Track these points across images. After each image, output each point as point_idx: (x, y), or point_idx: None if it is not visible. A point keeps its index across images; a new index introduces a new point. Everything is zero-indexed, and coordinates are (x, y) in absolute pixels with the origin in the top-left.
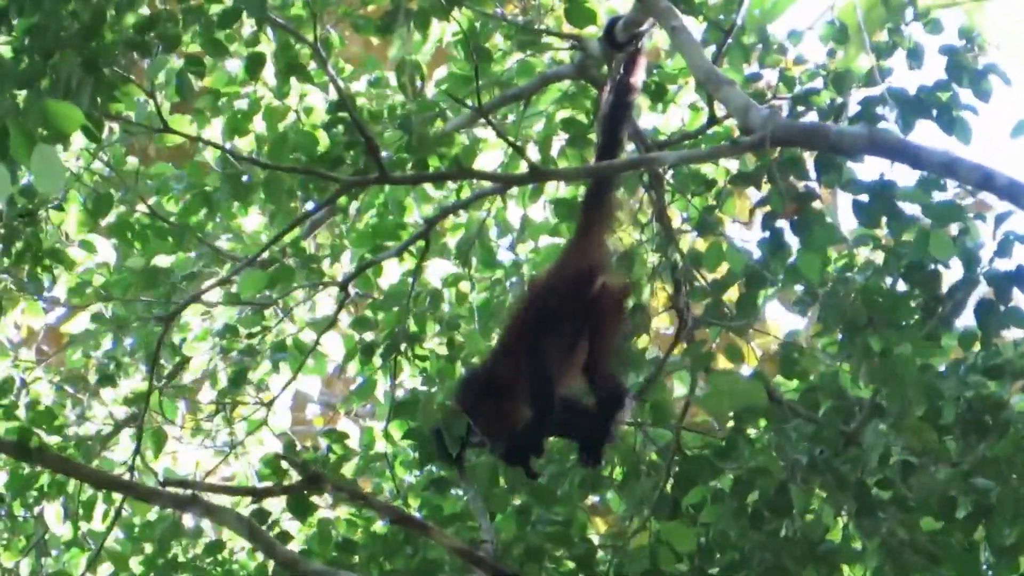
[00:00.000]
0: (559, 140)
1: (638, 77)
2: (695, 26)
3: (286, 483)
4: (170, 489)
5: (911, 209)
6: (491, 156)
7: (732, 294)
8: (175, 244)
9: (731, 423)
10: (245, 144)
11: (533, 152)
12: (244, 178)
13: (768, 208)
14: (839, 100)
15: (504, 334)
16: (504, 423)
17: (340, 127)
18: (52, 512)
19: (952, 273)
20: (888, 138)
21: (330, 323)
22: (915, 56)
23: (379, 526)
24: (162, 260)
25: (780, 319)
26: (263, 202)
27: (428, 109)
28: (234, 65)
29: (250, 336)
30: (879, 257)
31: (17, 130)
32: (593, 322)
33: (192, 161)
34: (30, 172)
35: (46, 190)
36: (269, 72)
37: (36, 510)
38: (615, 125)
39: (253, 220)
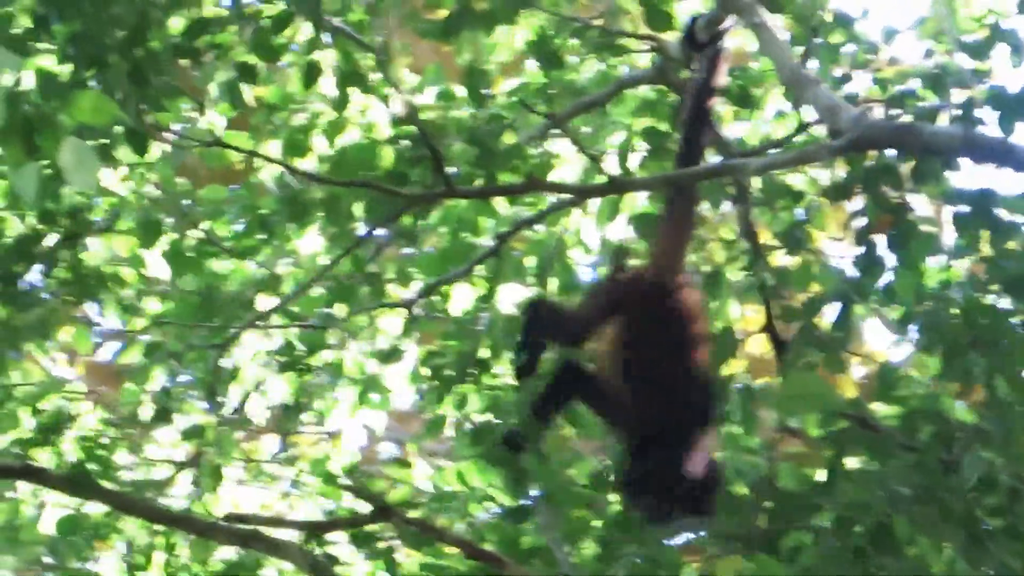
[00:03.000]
0: (639, 152)
1: (720, 78)
2: (780, 25)
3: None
4: (230, 524)
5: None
6: (566, 171)
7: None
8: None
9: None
10: (305, 163)
11: (611, 166)
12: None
13: (862, 221)
14: (936, 103)
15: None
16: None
17: (406, 141)
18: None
19: None
20: (983, 138)
21: (396, 348)
22: (1017, 53)
23: (452, 562)
24: (218, 269)
25: (880, 341)
26: (323, 223)
27: (498, 120)
28: (289, 77)
29: (310, 354)
30: (980, 270)
31: (44, 122)
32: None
33: (247, 181)
34: (60, 168)
35: (79, 186)
36: (327, 85)
37: (90, 565)
38: (696, 130)
39: (311, 241)
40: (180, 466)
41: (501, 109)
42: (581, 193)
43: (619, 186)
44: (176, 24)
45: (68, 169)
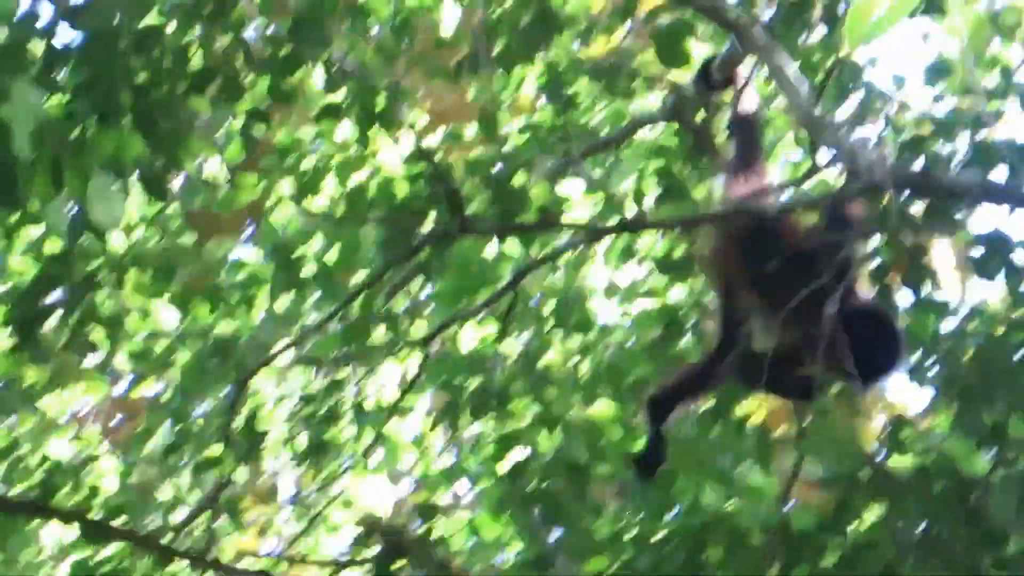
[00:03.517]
0: (652, 193)
1: (753, 100)
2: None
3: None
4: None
5: None
6: (579, 211)
7: None
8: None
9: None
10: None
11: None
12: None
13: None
14: (949, 147)
15: None
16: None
17: (420, 181)
18: None
19: None
20: (1004, 185)
21: (411, 383)
22: None
23: None
24: (227, 326)
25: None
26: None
27: (512, 159)
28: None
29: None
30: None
31: (72, 159)
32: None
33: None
34: (86, 205)
35: (104, 223)
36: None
37: None
38: (750, 132)
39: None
40: (196, 512)
41: (515, 148)
42: (595, 233)
43: (633, 225)
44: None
45: (94, 205)
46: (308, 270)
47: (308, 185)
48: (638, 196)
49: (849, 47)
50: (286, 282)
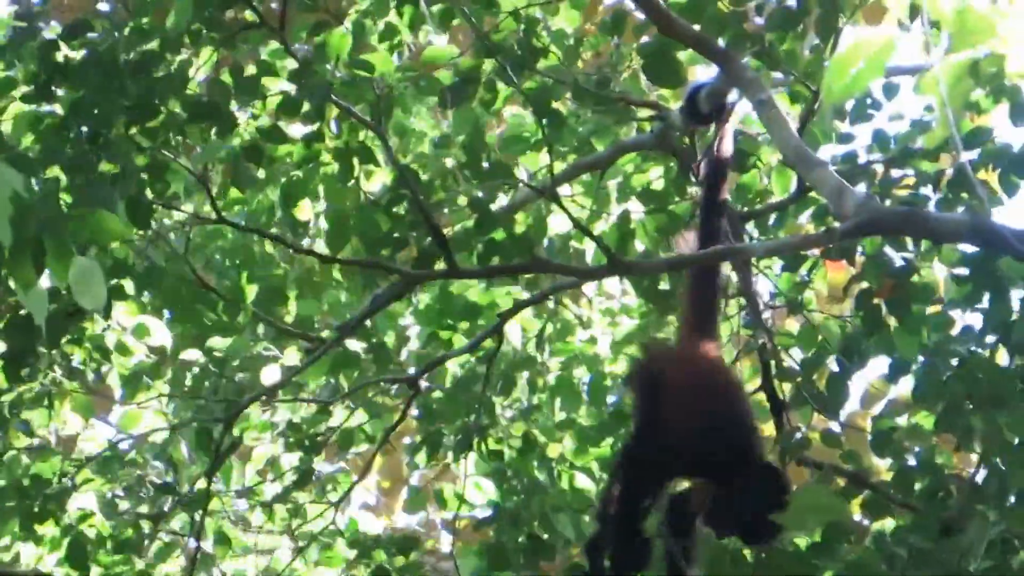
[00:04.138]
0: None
1: (729, 144)
2: (783, 97)
3: None
4: None
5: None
6: (562, 224)
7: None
8: (229, 320)
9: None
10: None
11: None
12: None
13: (863, 285)
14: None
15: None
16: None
17: (402, 205)
18: None
19: None
20: (990, 225)
21: (400, 419)
22: (1019, 112)
23: None
24: (218, 342)
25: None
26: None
27: (495, 189)
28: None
29: (315, 434)
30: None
31: (53, 243)
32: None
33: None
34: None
35: (88, 306)
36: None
37: None
38: (713, 207)
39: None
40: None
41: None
42: (583, 275)
43: (621, 268)
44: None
45: (77, 289)
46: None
47: (294, 194)
48: (624, 221)
49: (826, 101)
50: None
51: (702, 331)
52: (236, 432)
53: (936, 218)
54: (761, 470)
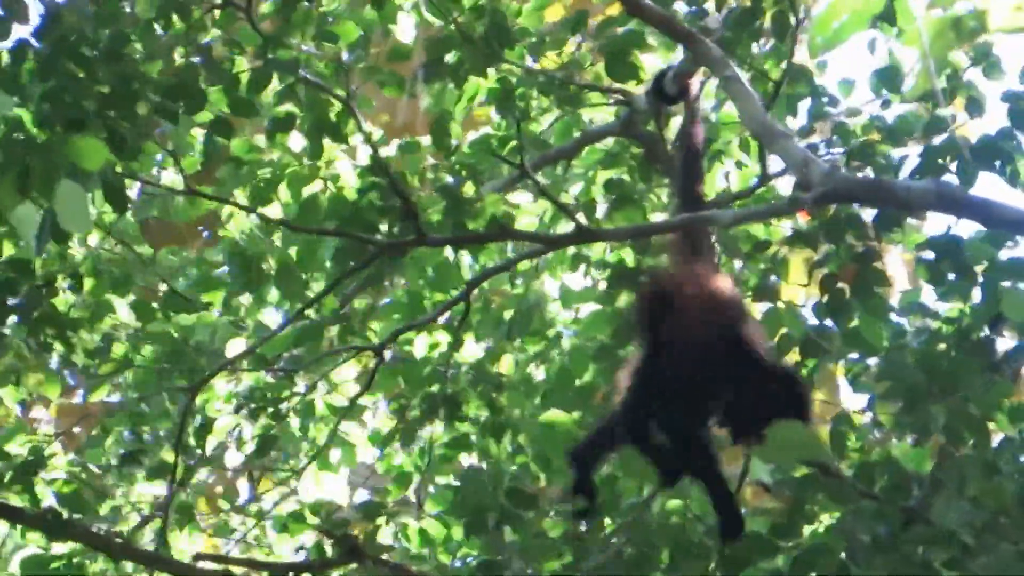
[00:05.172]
0: (603, 203)
1: (699, 126)
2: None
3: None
4: (204, 564)
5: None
6: (528, 222)
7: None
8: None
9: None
10: (272, 213)
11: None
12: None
13: (826, 270)
14: (899, 153)
15: None
16: None
17: (373, 192)
18: None
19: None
20: (957, 193)
21: (365, 388)
22: (975, 105)
23: None
24: (184, 319)
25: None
26: (278, 300)
27: (465, 169)
28: (258, 128)
29: (277, 401)
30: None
31: (40, 165)
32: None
33: (199, 257)
34: (53, 211)
35: (72, 229)
36: (293, 139)
37: None
38: (691, 174)
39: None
40: (150, 514)
41: (467, 159)
42: (550, 242)
43: (587, 235)
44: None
45: (62, 211)
46: (267, 270)
47: (262, 195)
48: (589, 206)
49: (811, 54)
50: (244, 283)
51: (698, 254)
52: (199, 402)
53: (903, 187)
54: (779, 376)
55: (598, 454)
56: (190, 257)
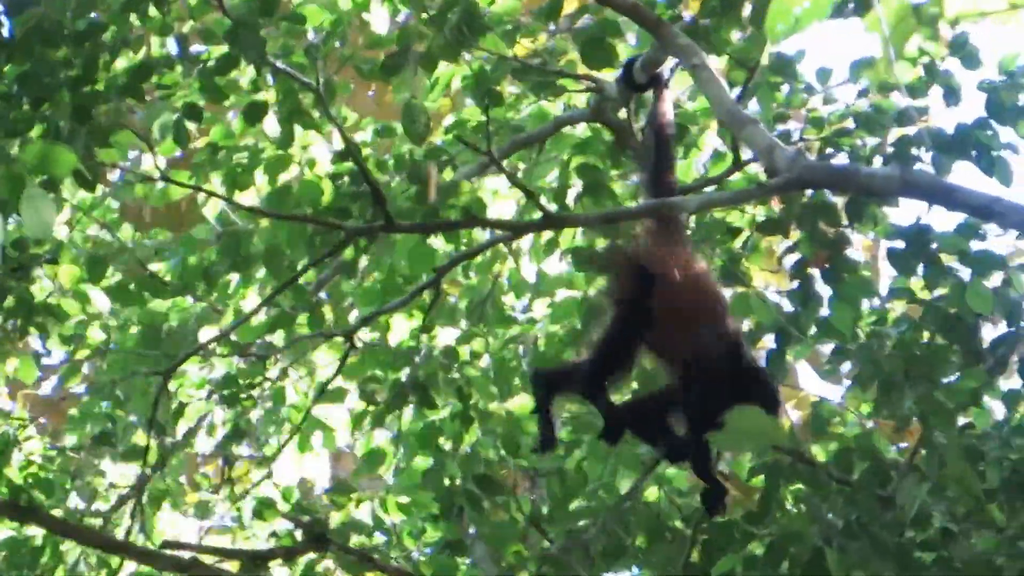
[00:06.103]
0: (574, 189)
1: (669, 110)
2: (718, 65)
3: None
4: (170, 551)
5: (949, 259)
6: (502, 207)
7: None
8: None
9: (762, 486)
10: (247, 199)
11: (547, 203)
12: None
13: (797, 256)
14: (871, 141)
15: None
16: None
17: (345, 178)
18: None
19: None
20: (922, 178)
21: (336, 372)
22: (951, 94)
23: None
24: (159, 304)
25: (813, 381)
26: (265, 278)
27: (436, 156)
28: (233, 116)
29: (250, 387)
30: (916, 310)
31: (6, 171)
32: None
33: (186, 233)
34: (19, 216)
35: (36, 235)
36: (269, 124)
37: None
38: (660, 161)
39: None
40: (124, 498)
41: (439, 145)
42: (518, 229)
43: (555, 222)
44: (122, 64)
45: (26, 216)
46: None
47: (239, 180)
48: (560, 192)
49: (770, 42)
50: (231, 264)
51: (674, 239)
52: (172, 387)
53: (868, 173)
54: (750, 374)
55: (559, 385)
56: (167, 240)
